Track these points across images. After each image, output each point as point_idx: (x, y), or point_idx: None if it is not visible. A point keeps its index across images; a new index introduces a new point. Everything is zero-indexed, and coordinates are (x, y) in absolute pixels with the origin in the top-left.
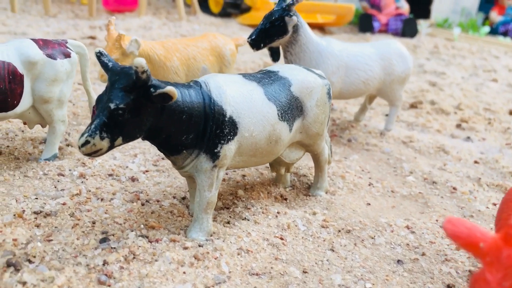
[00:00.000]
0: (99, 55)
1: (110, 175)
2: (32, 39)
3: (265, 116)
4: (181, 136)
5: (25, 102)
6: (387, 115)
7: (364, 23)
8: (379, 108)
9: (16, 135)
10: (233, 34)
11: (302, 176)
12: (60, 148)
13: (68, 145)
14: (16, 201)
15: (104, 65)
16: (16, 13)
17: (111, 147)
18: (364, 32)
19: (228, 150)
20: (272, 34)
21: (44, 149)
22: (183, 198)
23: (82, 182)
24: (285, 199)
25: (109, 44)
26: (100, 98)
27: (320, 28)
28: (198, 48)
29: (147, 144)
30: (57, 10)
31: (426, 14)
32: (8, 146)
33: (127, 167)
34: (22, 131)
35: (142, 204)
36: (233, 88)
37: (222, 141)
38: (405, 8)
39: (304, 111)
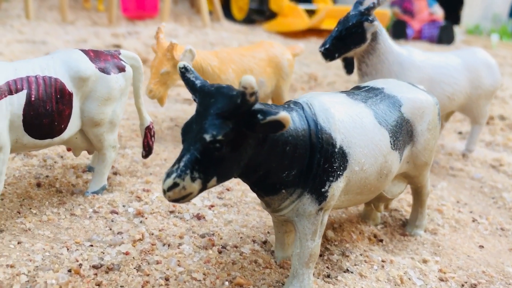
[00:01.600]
0: (183, 71)
1: (172, 212)
2: (81, 50)
3: (377, 145)
4: (282, 173)
5: (74, 125)
6: (460, 132)
7: (397, 30)
8: (448, 125)
9: (55, 162)
10: None
11: (393, 211)
12: (107, 178)
13: (115, 174)
14: (68, 249)
15: (190, 84)
16: (31, 20)
17: (202, 190)
18: (397, 39)
19: (337, 188)
20: (348, 42)
21: (91, 180)
22: (264, 243)
23: (141, 222)
24: (381, 241)
25: (159, 55)
26: (188, 127)
27: None
28: (255, 58)
29: None
30: (74, 17)
31: (455, 20)
32: (47, 176)
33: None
34: (61, 156)
35: (219, 252)
36: (341, 111)
37: (331, 178)
38: (439, 14)
39: (414, 137)
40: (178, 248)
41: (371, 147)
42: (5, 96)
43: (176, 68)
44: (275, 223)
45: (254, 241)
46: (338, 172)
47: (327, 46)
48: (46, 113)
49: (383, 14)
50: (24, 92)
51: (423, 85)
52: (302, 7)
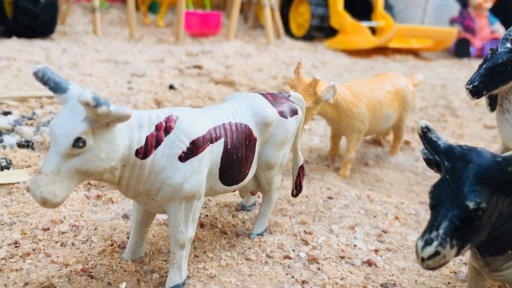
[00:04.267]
0: (425, 131)
1: (342, 257)
2: (261, 94)
3: None
4: None
5: (253, 170)
6: None
7: (461, 48)
8: None
9: (209, 200)
10: (334, 62)
11: None
12: None
13: None
14: None
15: (432, 145)
16: (99, 37)
17: (455, 256)
18: (460, 58)
19: None
20: (497, 80)
21: (256, 222)
22: None
23: (318, 269)
24: None
25: (300, 90)
26: (438, 191)
27: (414, 53)
28: (383, 91)
29: (353, 210)
30: (138, 33)
31: None
32: (206, 216)
33: (355, 245)
34: None
35: None
36: None
37: None
38: (501, 32)
39: None
40: None
41: None
42: (208, 145)
43: (315, 104)
44: (472, 278)
45: None
46: None
47: (475, 83)
48: (237, 160)
49: (450, 33)
50: (222, 140)
51: None
52: (364, 24)
